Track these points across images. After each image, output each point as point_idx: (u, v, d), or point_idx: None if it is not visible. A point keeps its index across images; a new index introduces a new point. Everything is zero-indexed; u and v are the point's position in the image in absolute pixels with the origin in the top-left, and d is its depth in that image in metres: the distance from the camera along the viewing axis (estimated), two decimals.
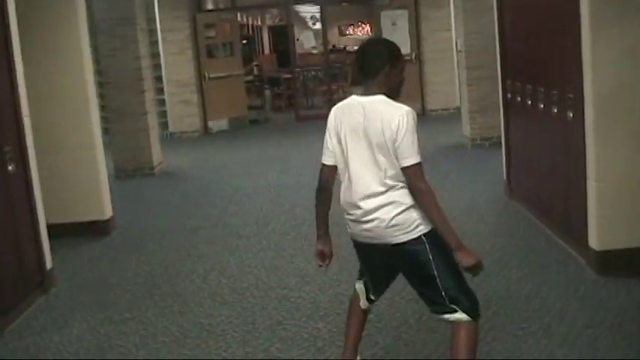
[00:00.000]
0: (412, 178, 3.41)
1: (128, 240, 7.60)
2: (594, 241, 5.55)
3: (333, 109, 3.77)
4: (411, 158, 3.40)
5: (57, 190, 7.28)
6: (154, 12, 14.88)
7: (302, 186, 9.33)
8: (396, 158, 3.42)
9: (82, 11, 7.60)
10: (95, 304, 5.77)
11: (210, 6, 17.51)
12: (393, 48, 3.66)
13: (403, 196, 3.47)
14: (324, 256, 3.85)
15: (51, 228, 6.33)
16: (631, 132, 5.41)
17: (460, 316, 3.54)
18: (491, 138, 10.72)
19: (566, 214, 6.19)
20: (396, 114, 3.45)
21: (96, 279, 6.44)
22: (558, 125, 6.14)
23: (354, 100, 3.62)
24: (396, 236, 3.50)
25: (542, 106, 6.47)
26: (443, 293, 3.52)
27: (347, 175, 3.59)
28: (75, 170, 7.62)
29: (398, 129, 3.40)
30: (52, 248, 6.30)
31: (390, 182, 3.46)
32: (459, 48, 11.77)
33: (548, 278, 5.52)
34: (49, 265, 6.21)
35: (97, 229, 7.66)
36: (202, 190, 9.88)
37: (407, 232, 3.49)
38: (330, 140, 3.70)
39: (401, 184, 3.47)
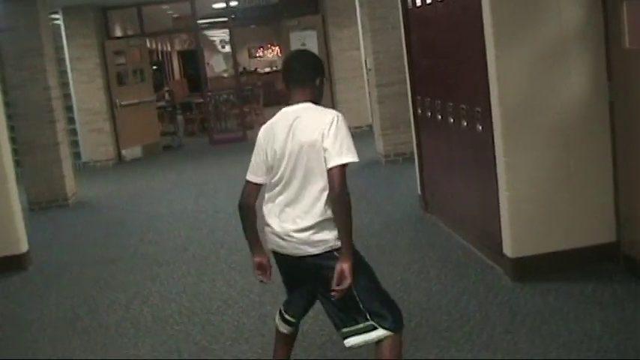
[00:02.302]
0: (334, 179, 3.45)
1: (46, 273, 7.46)
2: (509, 249, 5.72)
3: (263, 128, 3.77)
4: (339, 158, 3.46)
5: None
6: (62, 41, 14.68)
7: (219, 209, 9.33)
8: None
9: None
10: (14, 343, 5.64)
11: (118, 32, 17.37)
12: (320, 60, 3.79)
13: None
14: (264, 268, 3.81)
15: None
16: (538, 141, 5.60)
17: (380, 333, 3.57)
18: (405, 154, 10.90)
19: (481, 224, 6.36)
20: (330, 115, 3.54)
21: (14, 315, 6.30)
22: (468, 138, 6.31)
23: (283, 112, 3.68)
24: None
25: (452, 120, 6.64)
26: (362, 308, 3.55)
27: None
28: None
29: (330, 128, 3.48)
30: None
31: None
32: (368, 66, 11.95)
33: (468, 287, 5.66)
34: None
35: (12, 263, 7.50)
36: (119, 220, 9.77)
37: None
38: (257, 157, 3.70)
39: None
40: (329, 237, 3.53)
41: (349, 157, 3.45)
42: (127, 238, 8.66)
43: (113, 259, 7.75)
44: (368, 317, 3.55)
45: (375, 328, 3.56)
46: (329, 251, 3.53)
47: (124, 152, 15.44)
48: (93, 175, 14.10)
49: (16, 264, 7.53)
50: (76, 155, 14.67)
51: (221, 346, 5.10)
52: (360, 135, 14.97)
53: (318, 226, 3.52)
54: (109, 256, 7.87)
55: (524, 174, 5.62)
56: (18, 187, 7.89)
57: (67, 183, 11.12)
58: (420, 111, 7.81)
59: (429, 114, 7.39)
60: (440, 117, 6.99)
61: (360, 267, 3.57)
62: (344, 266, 3.43)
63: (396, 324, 3.61)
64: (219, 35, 29.40)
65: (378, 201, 9.02)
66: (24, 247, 7.71)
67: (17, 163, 10.29)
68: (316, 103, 3.66)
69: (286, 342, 4.02)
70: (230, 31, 18.30)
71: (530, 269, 5.63)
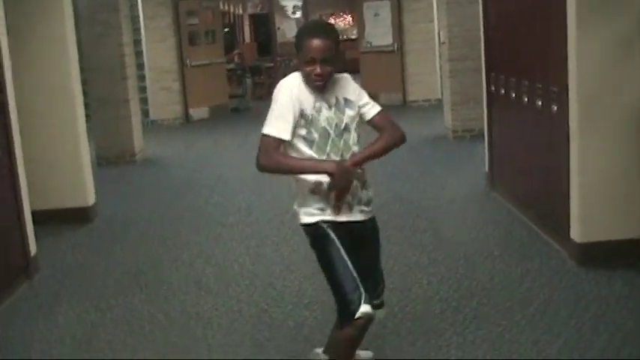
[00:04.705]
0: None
1: (111, 227, 7.60)
2: (576, 234, 5.63)
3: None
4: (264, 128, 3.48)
5: (41, 177, 7.24)
6: None
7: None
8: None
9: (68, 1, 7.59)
10: (80, 292, 5.77)
11: None
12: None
13: None
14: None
15: (34, 214, 6.32)
16: (613, 126, 5.48)
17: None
18: (473, 130, 10.80)
19: (548, 206, 6.26)
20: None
21: (80, 266, 6.44)
22: (542, 119, 6.20)
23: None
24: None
25: (526, 99, 6.53)
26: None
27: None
28: (58, 157, 7.59)
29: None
30: (35, 235, 6.30)
31: None
32: (441, 40, 11.81)
33: (531, 269, 5.59)
34: (33, 251, 6.20)
35: (80, 216, 7.64)
36: (184, 179, 9.88)
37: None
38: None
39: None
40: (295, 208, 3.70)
41: (265, 128, 3.47)
42: (192, 197, 8.76)
43: (178, 217, 7.84)
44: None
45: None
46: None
47: (191, 112, 15.57)
48: (160, 133, 14.27)
49: (83, 216, 7.67)
50: (145, 113, 14.83)
51: (282, 310, 5.13)
52: (428, 108, 14.94)
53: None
54: (173, 214, 7.98)
55: (596, 159, 5.51)
56: (87, 141, 8.01)
57: (135, 140, 11.28)
58: (493, 88, 7.69)
59: (503, 91, 7.27)
60: (514, 95, 6.87)
61: (321, 260, 3.60)
62: None
63: (340, 315, 3.53)
64: (290, 1, 29.35)
65: (444, 176, 8.95)
66: (91, 200, 7.85)
67: (88, 118, 10.45)
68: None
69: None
70: None
71: (596, 255, 5.53)
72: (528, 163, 6.77)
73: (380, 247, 3.84)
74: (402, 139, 3.62)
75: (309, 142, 3.49)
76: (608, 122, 5.47)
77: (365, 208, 3.65)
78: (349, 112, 3.55)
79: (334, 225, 3.55)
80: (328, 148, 3.50)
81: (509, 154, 7.40)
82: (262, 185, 8.89)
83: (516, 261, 5.80)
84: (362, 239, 3.67)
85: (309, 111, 3.46)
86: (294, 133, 3.45)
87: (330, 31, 3.51)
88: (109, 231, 7.48)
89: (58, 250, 6.85)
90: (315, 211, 3.57)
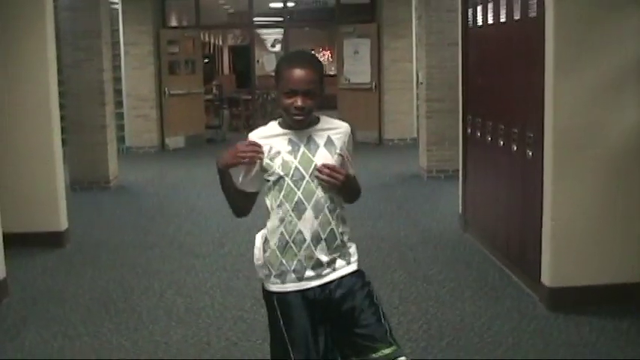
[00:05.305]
0: None
1: (83, 253, 7.55)
2: (547, 278, 5.68)
3: None
4: None
5: (14, 200, 7.21)
6: (119, 25, 14.85)
7: (258, 206, 9.34)
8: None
9: (51, 23, 7.59)
10: (48, 317, 5.72)
11: (174, 22, 17.53)
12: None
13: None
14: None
15: (6, 237, 6.27)
16: (587, 174, 5.56)
17: None
18: (447, 171, 10.88)
19: (521, 249, 6.32)
20: None
21: (50, 291, 6.38)
22: (517, 163, 6.27)
23: None
24: None
25: (501, 142, 6.61)
26: None
27: None
28: (33, 180, 7.56)
29: None
30: (5, 257, 6.24)
31: None
32: (420, 80, 11.93)
33: (502, 312, 5.62)
34: (2, 274, 6.15)
35: (52, 240, 7.60)
36: (158, 207, 9.85)
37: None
38: None
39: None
40: None
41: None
42: (165, 225, 8.73)
43: (150, 245, 7.81)
44: None
45: None
46: None
47: (167, 141, 15.55)
48: (135, 160, 14.23)
49: (56, 241, 7.63)
50: (121, 139, 14.81)
51: (251, 344, 5.11)
52: (404, 147, 15.02)
53: None
54: (146, 242, 7.94)
55: (570, 204, 5.58)
56: (63, 165, 7.98)
57: (110, 166, 11.24)
58: (469, 130, 7.77)
59: (479, 134, 7.35)
60: (489, 138, 6.96)
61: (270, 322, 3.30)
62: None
63: None
64: (270, 34, 29.50)
65: (417, 215, 9.00)
66: (64, 224, 7.81)
67: (64, 142, 10.42)
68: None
69: None
70: (285, 31, 18.37)
71: (566, 300, 5.59)
72: (502, 206, 6.83)
73: (371, 292, 3.24)
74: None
75: (266, 194, 3.25)
76: (582, 169, 5.55)
77: (324, 271, 3.18)
78: (323, 155, 3.13)
79: (285, 295, 3.20)
80: (281, 195, 3.16)
81: (484, 197, 7.46)
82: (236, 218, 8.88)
83: (487, 303, 5.84)
84: (331, 305, 3.19)
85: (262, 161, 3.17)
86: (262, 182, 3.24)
87: (314, 62, 3.14)
88: (81, 256, 7.43)
89: (29, 274, 6.80)
90: (261, 275, 3.30)
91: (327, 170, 3.06)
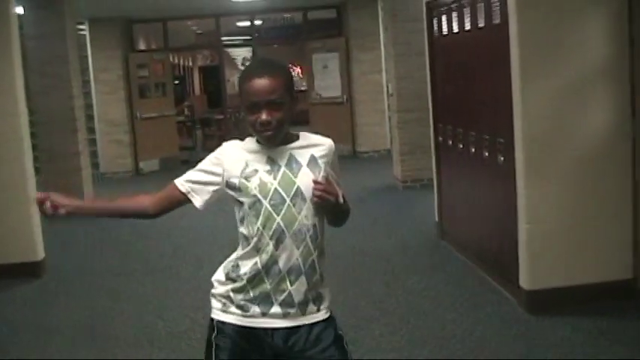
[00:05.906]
0: None
1: (61, 281, 7.50)
2: (525, 281, 5.72)
3: None
4: None
5: None
6: (87, 51, 14.82)
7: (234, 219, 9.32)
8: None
9: (17, 50, 7.55)
10: (27, 348, 5.67)
11: (142, 46, 17.51)
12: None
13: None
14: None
15: None
16: (559, 176, 5.62)
17: None
18: (422, 180, 10.92)
19: (498, 254, 6.35)
20: None
21: (29, 322, 6.32)
22: (489, 169, 6.32)
23: None
24: None
25: (473, 149, 6.66)
26: None
27: None
28: (7, 211, 7.52)
29: None
30: None
31: None
32: (390, 92, 11.99)
33: (482, 318, 5.65)
34: None
35: (28, 270, 7.53)
36: (136, 232, 9.79)
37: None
38: None
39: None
40: None
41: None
42: (142, 250, 8.70)
43: (129, 271, 7.78)
44: None
45: None
46: None
47: (141, 164, 15.50)
48: (110, 186, 14.16)
49: (32, 271, 7.56)
50: (95, 165, 14.74)
51: None
52: (378, 159, 15.06)
53: None
54: (124, 268, 7.91)
55: (543, 207, 5.63)
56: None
57: (86, 193, 11.14)
58: (441, 138, 7.82)
59: (450, 142, 7.41)
60: (461, 146, 7.01)
61: None
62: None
63: None
64: (240, 53, 29.53)
65: (393, 225, 9.02)
66: (40, 254, 7.75)
67: (36, 170, 10.36)
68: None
69: None
70: (253, 50, 18.40)
71: (545, 302, 5.63)
72: (477, 212, 6.88)
73: (344, 348, 2.83)
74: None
75: (240, 218, 2.83)
76: (554, 172, 5.61)
77: (292, 311, 2.77)
78: (307, 175, 2.76)
79: (235, 333, 2.82)
80: (259, 221, 2.73)
81: (459, 204, 7.51)
82: (215, 237, 8.88)
83: (467, 309, 5.86)
84: (291, 357, 2.80)
85: (235, 179, 2.78)
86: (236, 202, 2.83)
87: (275, 68, 2.72)
88: (59, 285, 7.38)
89: (5, 305, 6.75)
90: (217, 305, 2.91)
91: (321, 186, 2.71)
